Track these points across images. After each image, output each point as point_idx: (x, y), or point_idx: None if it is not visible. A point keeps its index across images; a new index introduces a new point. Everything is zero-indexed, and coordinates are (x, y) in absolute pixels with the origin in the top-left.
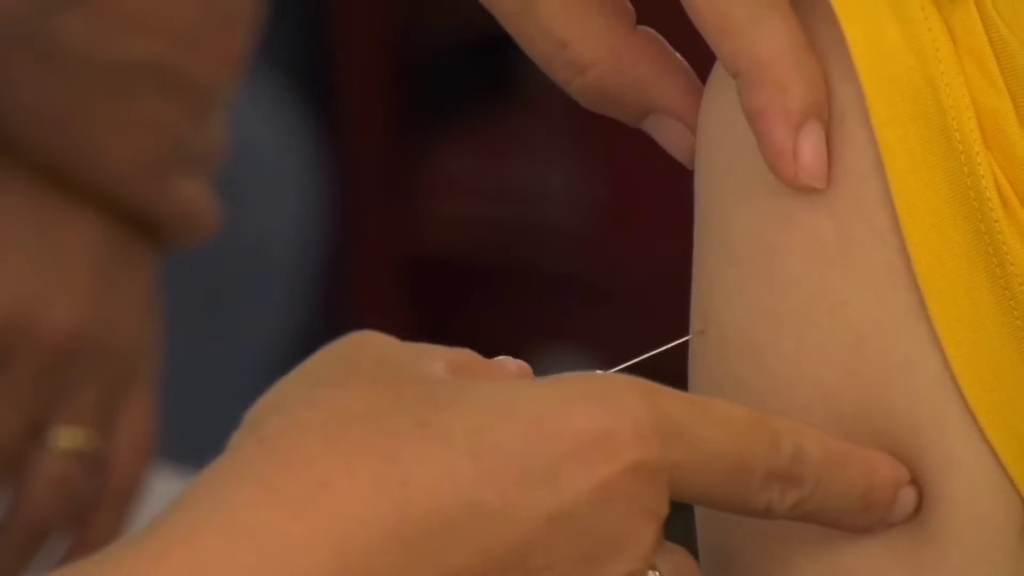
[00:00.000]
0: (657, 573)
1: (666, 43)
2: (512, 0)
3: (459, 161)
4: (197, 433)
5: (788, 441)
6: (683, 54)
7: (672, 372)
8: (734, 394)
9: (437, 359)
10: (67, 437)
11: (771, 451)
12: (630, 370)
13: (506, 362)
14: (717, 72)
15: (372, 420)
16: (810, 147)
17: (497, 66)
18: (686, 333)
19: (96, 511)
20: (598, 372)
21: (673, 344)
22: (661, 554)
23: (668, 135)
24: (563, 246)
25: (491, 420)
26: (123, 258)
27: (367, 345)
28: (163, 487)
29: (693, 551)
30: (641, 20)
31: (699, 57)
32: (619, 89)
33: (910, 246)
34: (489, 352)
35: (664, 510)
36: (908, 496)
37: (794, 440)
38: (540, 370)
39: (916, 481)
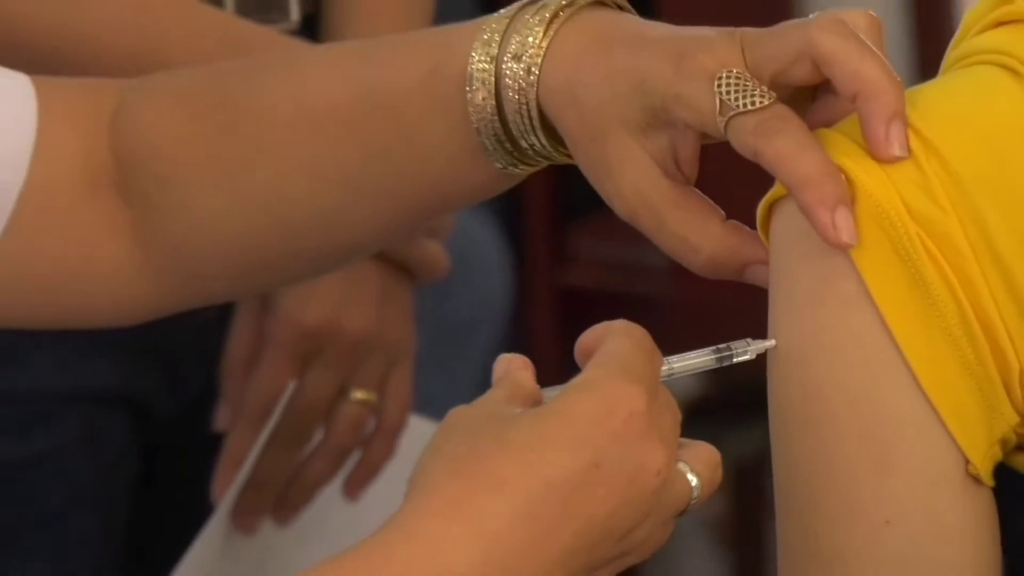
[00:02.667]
0: (685, 464)
1: (745, 227)
2: (647, 218)
3: (606, 215)
4: (436, 397)
5: None
6: None
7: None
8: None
9: (509, 402)
10: (360, 394)
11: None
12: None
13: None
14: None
15: (475, 452)
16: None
17: None
18: None
19: (374, 440)
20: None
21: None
22: (684, 449)
23: (758, 275)
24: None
25: (539, 437)
26: (392, 287)
27: (462, 416)
28: (413, 428)
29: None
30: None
31: None
32: (720, 257)
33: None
34: None
35: (666, 434)
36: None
37: None
38: None
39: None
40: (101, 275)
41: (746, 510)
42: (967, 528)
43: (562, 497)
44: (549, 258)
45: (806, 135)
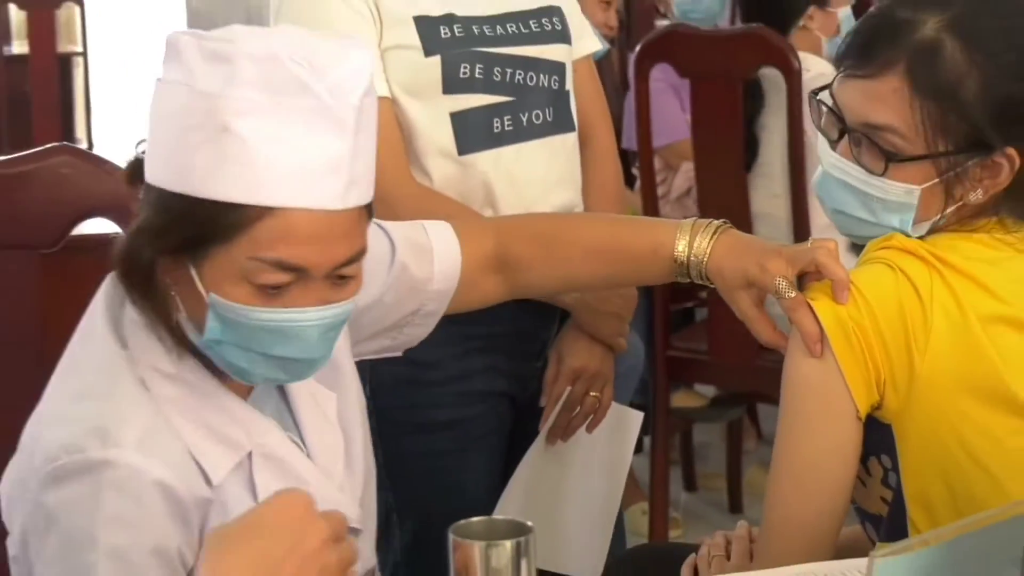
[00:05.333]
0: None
1: (781, 331)
2: (747, 322)
3: (687, 329)
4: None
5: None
6: None
7: None
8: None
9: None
10: (593, 394)
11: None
12: None
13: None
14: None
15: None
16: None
17: None
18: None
19: (597, 412)
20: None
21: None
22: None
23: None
24: None
25: (251, 526)
26: (606, 355)
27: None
28: (613, 408)
29: None
30: None
31: None
32: (770, 342)
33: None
34: None
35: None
36: None
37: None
38: None
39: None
40: (479, 303)
41: (734, 437)
42: (854, 436)
43: (263, 554)
44: (663, 346)
45: (807, 312)
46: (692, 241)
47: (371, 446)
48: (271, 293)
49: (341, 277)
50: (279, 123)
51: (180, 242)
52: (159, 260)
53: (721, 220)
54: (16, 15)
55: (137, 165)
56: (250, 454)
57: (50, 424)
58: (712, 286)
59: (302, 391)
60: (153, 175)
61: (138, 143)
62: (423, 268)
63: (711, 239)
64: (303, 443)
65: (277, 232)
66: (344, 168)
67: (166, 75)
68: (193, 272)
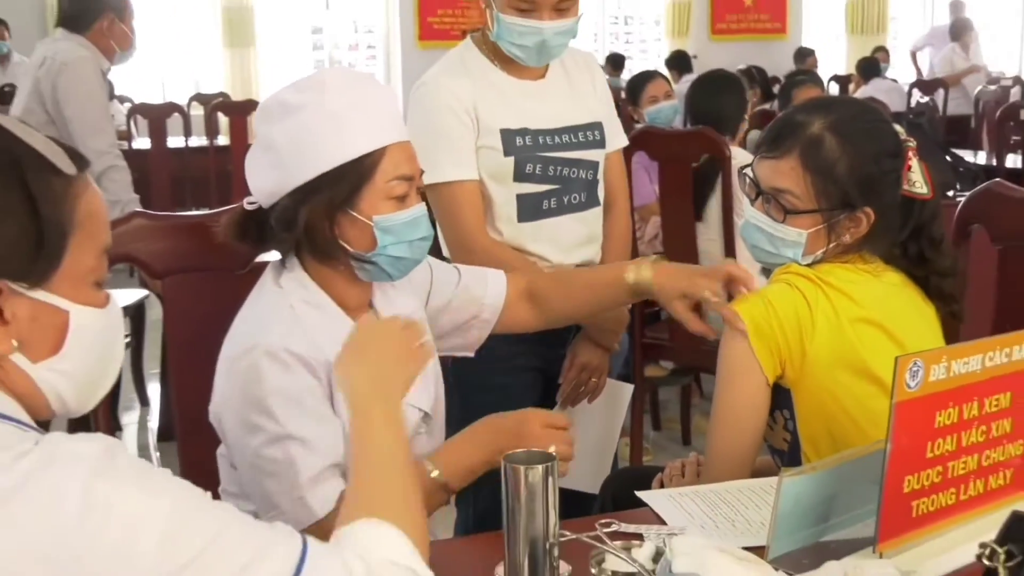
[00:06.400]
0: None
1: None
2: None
3: (657, 324)
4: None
5: None
6: None
7: None
8: None
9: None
10: (594, 379)
11: None
12: None
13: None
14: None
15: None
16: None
17: None
18: None
19: (597, 389)
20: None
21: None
22: None
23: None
24: None
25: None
26: (603, 353)
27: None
28: (608, 384)
29: None
30: None
31: None
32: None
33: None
34: None
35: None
36: None
37: None
38: None
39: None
40: (520, 325)
41: (685, 395)
42: (764, 396)
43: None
44: (640, 335)
45: (731, 308)
46: (639, 271)
47: (439, 365)
48: (401, 201)
49: (418, 190)
50: (364, 96)
51: (344, 198)
52: (334, 227)
53: (657, 255)
54: (223, 119)
55: (238, 226)
56: None
57: (232, 333)
58: (656, 300)
59: None
60: (292, 183)
61: (245, 199)
62: (479, 287)
63: (651, 269)
64: None
65: (395, 159)
66: (400, 117)
67: (267, 128)
68: (354, 214)
